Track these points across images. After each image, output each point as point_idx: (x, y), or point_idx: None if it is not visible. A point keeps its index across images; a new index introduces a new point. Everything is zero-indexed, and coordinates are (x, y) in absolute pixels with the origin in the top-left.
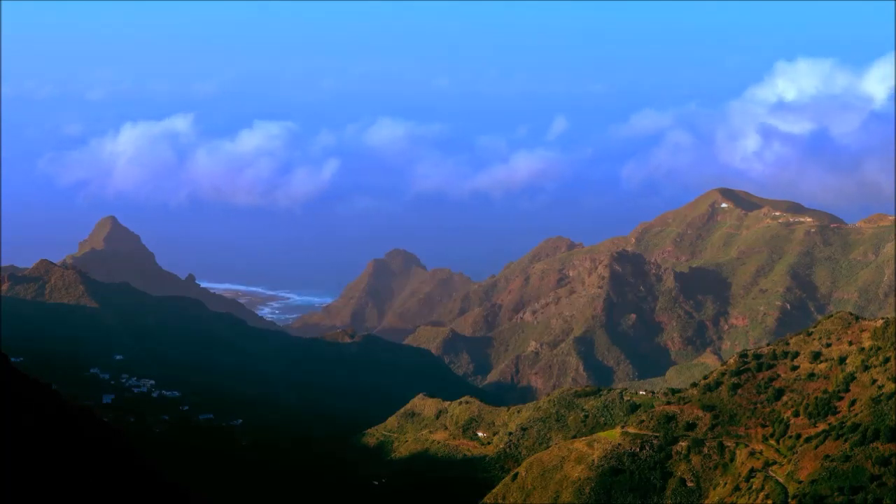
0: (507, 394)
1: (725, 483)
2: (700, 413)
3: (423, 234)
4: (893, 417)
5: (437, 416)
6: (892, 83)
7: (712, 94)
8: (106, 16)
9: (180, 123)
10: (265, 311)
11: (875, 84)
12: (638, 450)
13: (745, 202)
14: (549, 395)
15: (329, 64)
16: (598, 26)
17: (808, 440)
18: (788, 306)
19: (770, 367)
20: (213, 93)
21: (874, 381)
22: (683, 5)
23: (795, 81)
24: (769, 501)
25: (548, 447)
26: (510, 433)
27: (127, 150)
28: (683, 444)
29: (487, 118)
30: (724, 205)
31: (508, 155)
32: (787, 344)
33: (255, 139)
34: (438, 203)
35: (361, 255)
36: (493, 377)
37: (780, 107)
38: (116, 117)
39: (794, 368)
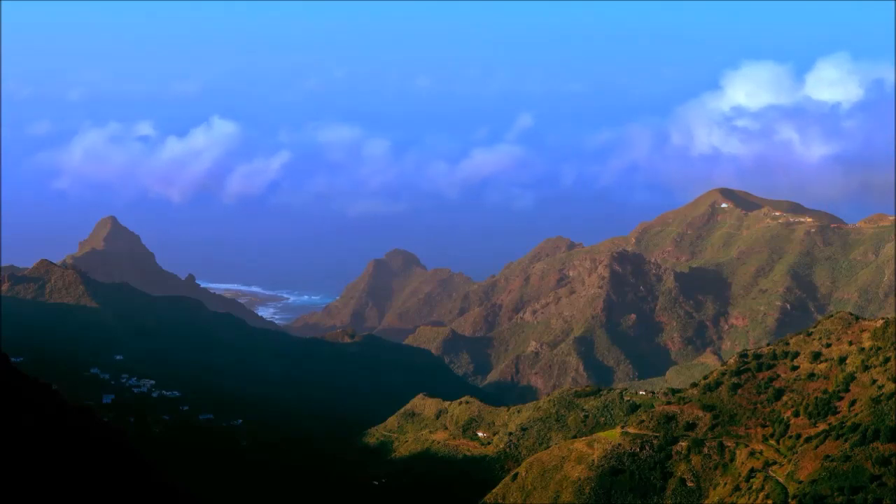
0: (507, 394)
1: (725, 483)
2: (700, 413)
3: (420, 234)
4: (893, 417)
5: (437, 416)
6: (838, 84)
7: (687, 93)
8: (95, 15)
9: (143, 124)
10: (265, 311)
11: (821, 85)
12: (638, 450)
13: (745, 202)
14: (549, 395)
15: (315, 63)
16: (584, 25)
17: (808, 440)
18: (788, 306)
19: (770, 367)
20: (193, 92)
21: (874, 381)
22: (668, 5)
23: (753, 84)
24: (769, 501)
25: (548, 447)
26: (510, 433)
27: (80, 152)
28: (683, 444)
29: (460, 118)
30: (724, 205)
31: (475, 154)
32: (787, 344)
33: (209, 139)
34: (407, 204)
35: (354, 255)
36: (493, 377)
37: (738, 111)
38: (87, 118)
39: (794, 368)
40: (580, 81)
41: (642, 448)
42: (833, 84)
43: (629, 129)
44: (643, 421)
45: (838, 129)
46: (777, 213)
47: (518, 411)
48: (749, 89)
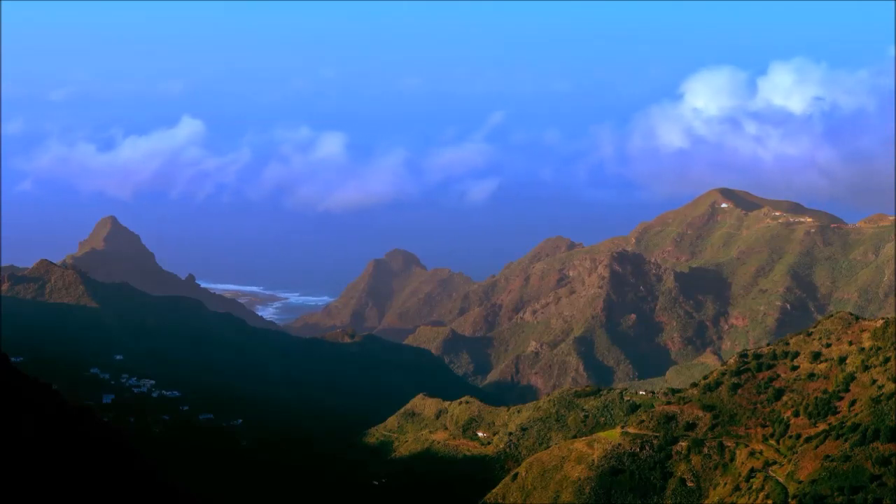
0: (507, 394)
1: (725, 483)
2: (700, 413)
3: (417, 233)
4: (893, 417)
5: (437, 416)
6: (797, 90)
7: (663, 93)
8: (90, 15)
9: (113, 124)
10: (265, 311)
11: (779, 91)
12: (638, 450)
13: (745, 202)
14: (549, 395)
15: (306, 63)
16: (580, 25)
17: (808, 440)
18: (788, 306)
19: (770, 367)
20: (179, 92)
21: (874, 381)
22: (666, 5)
23: (713, 89)
24: (769, 501)
25: (548, 447)
26: (510, 433)
27: (45, 153)
28: (683, 444)
29: (444, 117)
30: (724, 205)
31: (448, 152)
32: (787, 344)
33: (172, 139)
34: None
35: (351, 255)
36: (493, 377)
37: (699, 113)
38: (63, 119)
39: (794, 368)
40: (568, 81)
41: (642, 448)
42: (791, 89)
43: (609, 129)
44: (643, 421)
45: (802, 133)
46: (777, 213)
47: (518, 411)
48: (710, 93)
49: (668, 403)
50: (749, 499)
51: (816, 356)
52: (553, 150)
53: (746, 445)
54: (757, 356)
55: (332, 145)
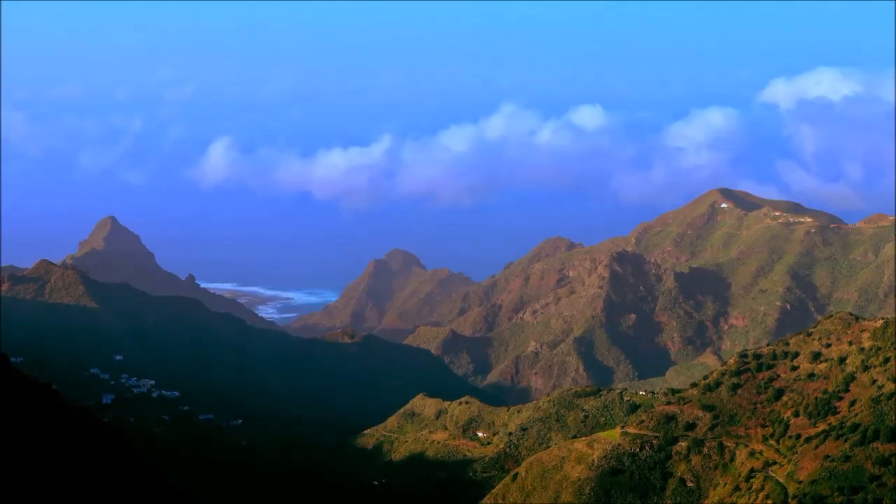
0: (507, 394)
1: (725, 483)
2: (700, 413)
3: (415, 234)
4: (893, 417)
5: (437, 416)
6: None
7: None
8: (81, 15)
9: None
10: (265, 311)
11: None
12: (638, 450)
13: (745, 202)
14: (549, 395)
15: (298, 63)
16: (564, 26)
17: (808, 440)
18: (788, 306)
19: (770, 367)
20: (181, 99)
21: (874, 381)
22: (660, 5)
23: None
24: (769, 501)
25: (548, 447)
26: (510, 433)
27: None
28: (683, 444)
29: (430, 115)
30: (724, 205)
31: (433, 152)
32: (787, 344)
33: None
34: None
35: (353, 256)
36: (493, 377)
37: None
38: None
39: (794, 368)
40: (559, 79)
41: (642, 448)
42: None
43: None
44: (643, 421)
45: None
46: (777, 213)
47: (518, 411)
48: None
49: (668, 403)
50: (749, 499)
51: (816, 356)
52: (542, 149)
53: (746, 445)
54: (757, 356)
55: (318, 143)
